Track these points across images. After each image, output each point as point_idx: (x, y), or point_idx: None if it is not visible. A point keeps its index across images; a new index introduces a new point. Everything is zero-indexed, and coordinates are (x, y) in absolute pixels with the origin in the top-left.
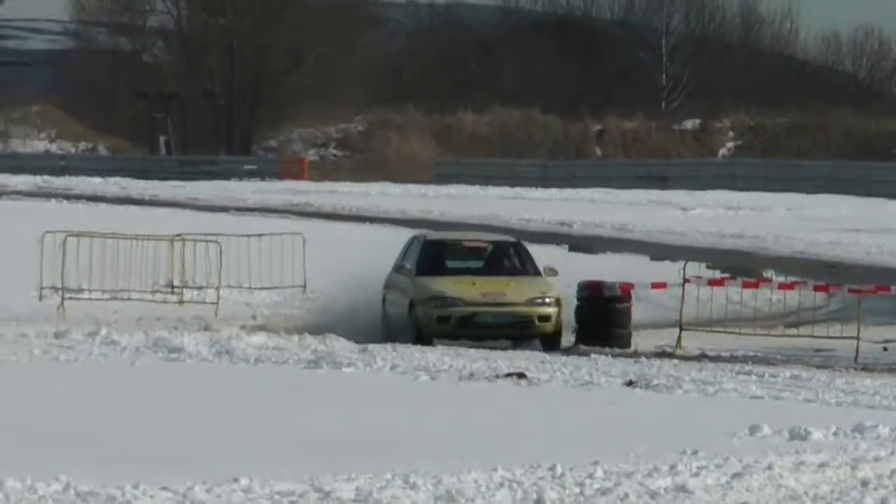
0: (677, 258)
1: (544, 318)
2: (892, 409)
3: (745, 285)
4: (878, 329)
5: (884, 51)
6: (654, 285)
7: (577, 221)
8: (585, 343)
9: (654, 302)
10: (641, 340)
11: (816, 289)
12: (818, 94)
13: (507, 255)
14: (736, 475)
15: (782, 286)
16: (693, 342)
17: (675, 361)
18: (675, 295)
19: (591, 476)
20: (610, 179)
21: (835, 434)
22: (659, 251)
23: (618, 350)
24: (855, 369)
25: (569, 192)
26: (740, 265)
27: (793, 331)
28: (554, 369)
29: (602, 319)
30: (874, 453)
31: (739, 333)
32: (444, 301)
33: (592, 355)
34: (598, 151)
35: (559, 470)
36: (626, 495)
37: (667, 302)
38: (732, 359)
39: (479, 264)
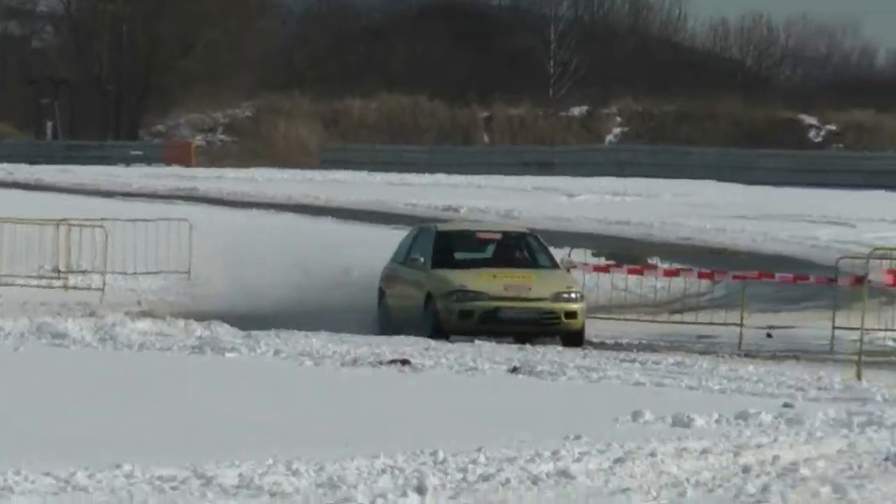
0: (563, 244)
1: (570, 314)
2: (775, 396)
3: (630, 272)
4: (762, 316)
5: (771, 38)
6: None
7: (463, 207)
8: None
9: None
10: None
11: (701, 275)
12: (706, 81)
13: (523, 247)
14: (618, 461)
15: (667, 273)
16: None
17: (559, 348)
18: None
19: (473, 462)
20: (496, 166)
21: (717, 421)
22: (544, 237)
23: (502, 336)
24: (738, 356)
25: (455, 178)
26: (626, 252)
27: (677, 317)
28: (438, 356)
29: None
30: (756, 440)
31: (624, 320)
32: (466, 295)
33: (477, 341)
34: (486, 138)
35: (441, 456)
36: (508, 481)
37: None
38: (616, 345)
39: (495, 256)
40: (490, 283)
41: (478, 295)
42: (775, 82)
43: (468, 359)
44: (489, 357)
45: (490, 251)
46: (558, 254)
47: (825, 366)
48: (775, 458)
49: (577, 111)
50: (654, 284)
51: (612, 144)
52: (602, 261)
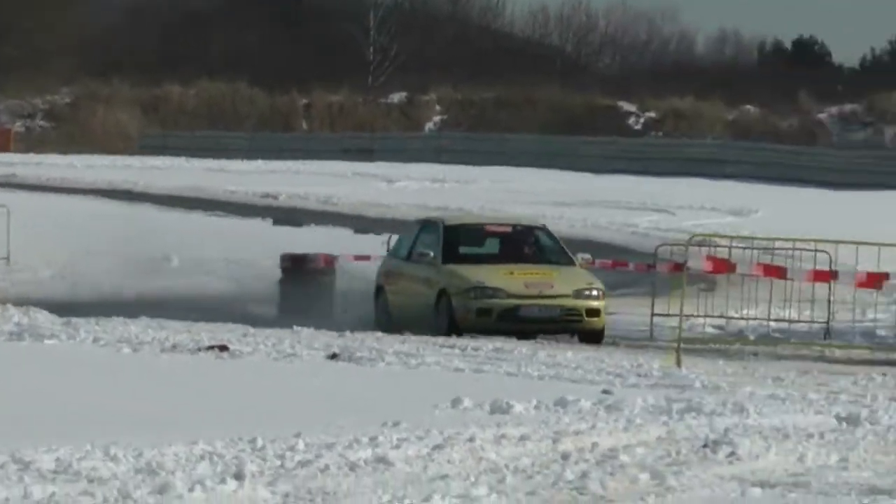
0: (382, 231)
1: (593, 312)
2: (594, 383)
3: None
4: None
5: (591, 24)
6: (358, 258)
7: (282, 194)
8: (289, 316)
9: (358, 275)
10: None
11: None
12: (526, 68)
13: (537, 242)
14: (437, 447)
15: None
16: None
17: (379, 334)
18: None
19: (291, 448)
20: (316, 152)
21: (536, 407)
22: (363, 224)
23: (321, 322)
24: (557, 342)
25: (274, 165)
26: None
27: None
28: (257, 342)
29: (305, 292)
30: (575, 427)
31: None
32: (483, 292)
33: (295, 327)
34: (305, 125)
35: (260, 442)
36: (327, 467)
37: (371, 275)
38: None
39: (508, 251)
40: (508, 279)
41: (496, 292)
42: (595, 69)
43: (287, 345)
44: (308, 343)
45: (501, 246)
46: (378, 240)
47: (644, 352)
48: (594, 444)
49: (396, 98)
50: None
51: (432, 131)
52: None
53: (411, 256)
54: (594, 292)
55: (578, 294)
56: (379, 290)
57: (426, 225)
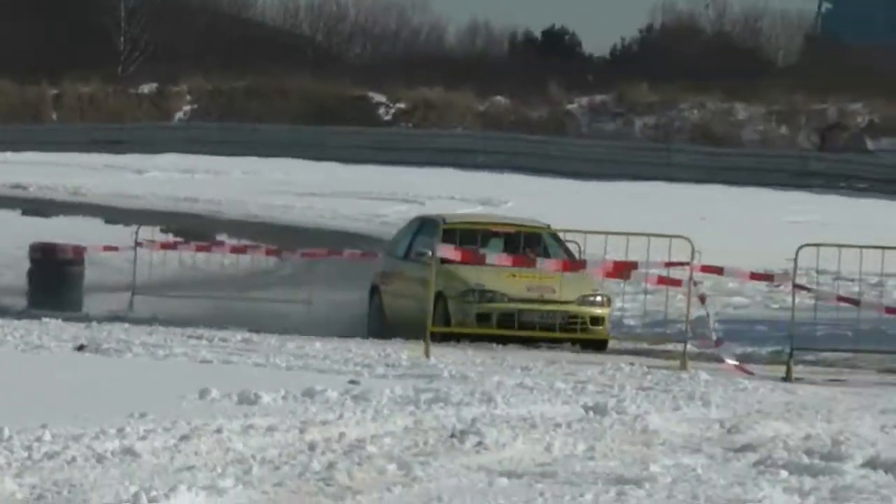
0: (131, 221)
1: (597, 320)
2: (342, 373)
3: (198, 249)
4: (331, 292)
5: (341, 14)
6: (107, 248)
7: (31, 185)
8: (37, 306)
9: (106, 265)
10: (93, 304)
11: (268, 252)
12: (277, 57)
13: (540, 243)
14: (184, 438)
15: (234, 249)
16: (145, 306)
17: (126, 325)
18: (128, 258)
19: (38, 440)
20: (66, 143)
21: (284, 398)
22: (113, 214)
23: (69, 313)
24: (307, 334)
25: (23, 156)
26: (194, 228)
27: (245, 294)
28: (4, 333)
29: (54, 283)
30: (322, 417)
31: (191, 297)
32: (483, 295)
33: (44, 319)
34: (55, 115)
35: (6, 434)
36: (74, 459)
37: (120, 265)
38: (183, 322)
39: (510, 253)
40: (510, 282)
41: (496, 295)
42: (346, 59)
43: (34, 336)
44: (56, 335)
45: (503, 247)
46: (127, 231)
47: (393, 343)
48: (341, 435)
49: (146, 88)
50: (221, 261)
51: (182, 122)
52: (170, 237)
53: (408, 256)
54: (598, 298)
55: (583, 300)
56: (373, 290)
57: (425, 223)
